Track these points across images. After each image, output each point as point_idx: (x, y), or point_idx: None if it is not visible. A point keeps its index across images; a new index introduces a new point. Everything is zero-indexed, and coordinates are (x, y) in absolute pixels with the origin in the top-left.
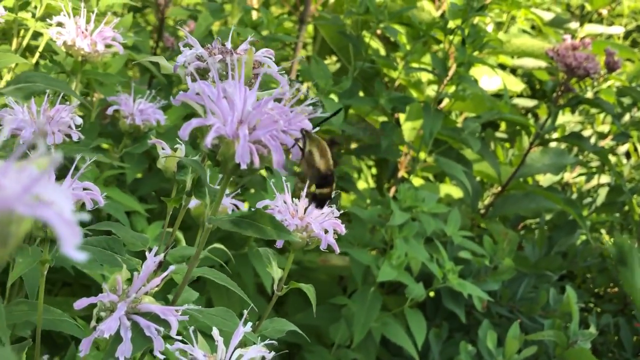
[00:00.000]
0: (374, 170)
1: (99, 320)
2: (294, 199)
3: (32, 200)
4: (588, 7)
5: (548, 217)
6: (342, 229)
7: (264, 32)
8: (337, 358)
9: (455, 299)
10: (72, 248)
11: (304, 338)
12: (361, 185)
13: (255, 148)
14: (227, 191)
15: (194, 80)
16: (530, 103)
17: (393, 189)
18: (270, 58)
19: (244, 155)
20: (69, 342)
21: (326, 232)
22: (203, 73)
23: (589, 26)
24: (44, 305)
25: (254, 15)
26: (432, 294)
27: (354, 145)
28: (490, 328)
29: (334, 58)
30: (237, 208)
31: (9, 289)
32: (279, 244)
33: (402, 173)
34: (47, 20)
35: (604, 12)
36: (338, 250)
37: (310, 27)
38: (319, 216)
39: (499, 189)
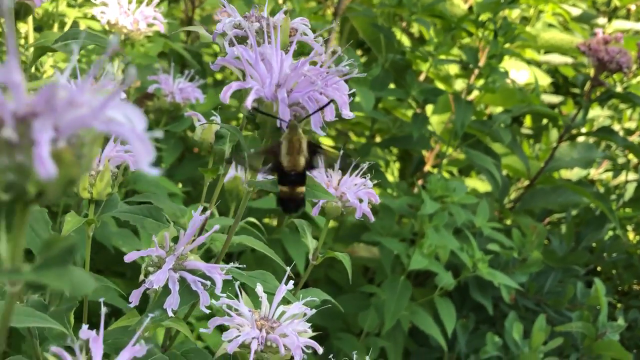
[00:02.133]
0: (397, 165)
1: (147, 274)
2: (328, 170)
3: (107, 118)
4: (616, 3)
5: (574, 212)
6: (377, 198)
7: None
8: (366, 345)
9: (483, 290)
10: (147, 163)
11: (332, 324)
12: (388, 177)
13: (294, 110)
14: None
15: (231, 44)
16: (555, 99)
17: (419, 183)
18: (306, 25)
19: (284, 117)
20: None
21: (361, 201)
22: (241, 41)
23: (617, 22)
24: (90, 274)
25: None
26: (458, 287)
27: (378, 139)
28: (516, 319)
29: (360, 51)
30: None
31: None
32: (315, 212)
33: (428, 167)
34: (87, 5)
35: (632, 8)
36: (373, 218)
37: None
38: (354, 186)
39: (527, 182)
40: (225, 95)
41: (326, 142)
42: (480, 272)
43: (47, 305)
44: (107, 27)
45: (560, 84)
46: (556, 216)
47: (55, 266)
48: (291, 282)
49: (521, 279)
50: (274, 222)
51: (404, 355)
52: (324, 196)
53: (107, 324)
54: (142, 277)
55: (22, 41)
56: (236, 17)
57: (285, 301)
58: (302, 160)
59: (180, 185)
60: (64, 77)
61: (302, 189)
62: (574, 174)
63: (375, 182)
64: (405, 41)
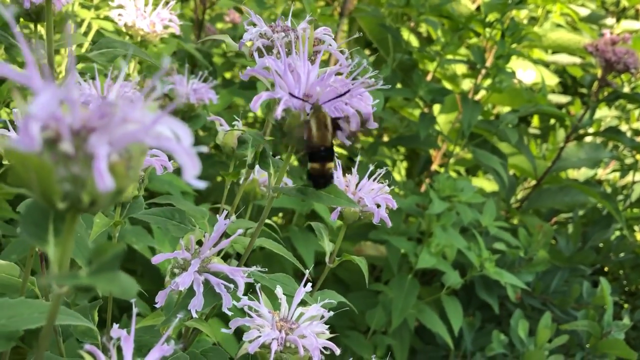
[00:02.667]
0: (404, 165)
1: (173, 276)
2: (345, 174)
3: (156, 133)
4: (625, 3)
5: (581, 212)
6: (394, 204)
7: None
8: (373, 343)
9: (489, 289)
10: (193, 177)
11: (340, 322)
12: (395, 177)
13: None
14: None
15: (261, 55)
16: (563, 99)
17: (427, 182)
18: (330, 35)
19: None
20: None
21: (378, 206)
22: (266, 50)
23: (626, 22)
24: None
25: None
26: (465, 284)
27: (386, 138)
28: (522, 317)
29: (368, 51)
30: (286, 184)
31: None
32: (334, 217)
33: (435, 166)
34: (103, 7)
35: None
36: (390, 224)
37: (345, 20)
38: (371, 191)
39: (534, 182)
40: (256, 104)
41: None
42: (487, 271)
43: (68, 302)
44: (124, 30)
45: (569, 84)
46: (563, 216)
47: (106, 271)
48: (309, 284)
49: (527, 278)
50: (281, 221)
51: (410, 353)
52: (347, 204)
53: (118, 320)
54: (167, 278)
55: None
56: (262, 27)
57: (303, 302)
58: (329, 136)
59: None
60: (84, 84)
61: (332, 164)
62: (581, 174)
63: (387, 183)
64: (413, 41)
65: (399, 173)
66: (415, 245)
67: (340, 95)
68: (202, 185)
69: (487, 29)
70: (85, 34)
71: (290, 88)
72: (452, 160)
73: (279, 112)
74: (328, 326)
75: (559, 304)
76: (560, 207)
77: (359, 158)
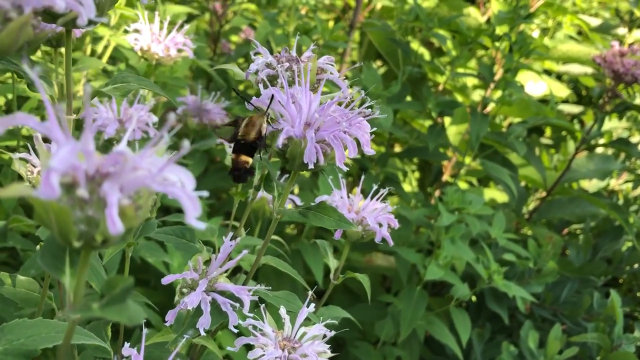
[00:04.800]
0: (416, 175)
1: (182, 295)
2: (349, 194)
3: (162, 179)
4: (638, 13)
5: (593, 223)
6: (396, 224)
7: (316, 37)
8: (382, 354)
9: (499, 300)
10: (194, 219)
11: (349, 333)
12: (406, 188)
13: (320, 147)
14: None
15: (265, 87)
16: (575, 109)
17: (437, 193)
18: (332, 65)
19: (311, 154)
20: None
21: (380, 225)
22: (272, 79)
23: (638, 32)
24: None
25: (306, 22)
26: (475, 296)
27: (398, 149)
28: (532, 328)
29: (379, 62)
30: (295, 204)
31: None
32: (337, 235)
33: (446, 177)
34: (120, 27)
35: None
36: (392, 243)
37: (356, 33)
38: (374, 211)
39: (544, 193)
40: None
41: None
42: (495, 283)
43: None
44: (139, 54)
45: (583, 94)
46: (574, 227)
47: (116, 303)
48: (312, 305)
49: (537, 289)
50: (292, 232)
51: None
52: (346, 226)
53: (131, 333)
54: (177, 298)
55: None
56: (268, 57)
57: (307, 319)
58: (252, 134)
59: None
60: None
61: (248, 159)
62: (593, 184)
63: (391, 189)
64: (424, 52)
65: (410, 184)
66: (424, 256)
67: (339, 124)
68: (202, 226)
69: (496, 43)
70: (101, 55)
71: (293, 118)
72: (463, 171)
73: (280, 141)
74: (334, 338)
75: (569, 315)
76: (571, 218)
77: (363, 177)
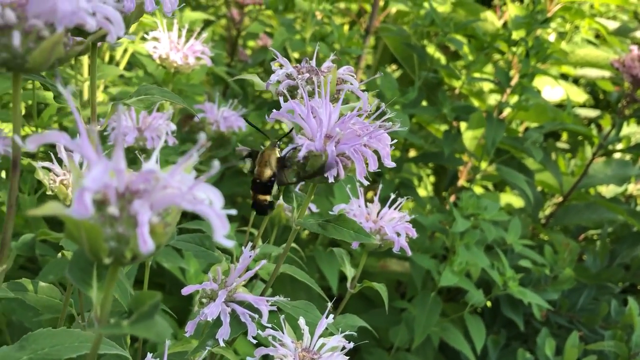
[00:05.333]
0: (432, 179)
1: (201, 305)
2: (367, 203)
3: (192, 197)
4: None
5: (610, 229)
6: (414, 233)
7: (333, 43)
8: None
9: (514, 307)
10: (222, 237)
11: (364, 339)
12: (421, 192)
13: (340, 160)
14: None
15: (285, 100)
16: (593, 113)
17: (452, 197)
18: (352, 75)
19: (332, 169)
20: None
21: (398, 235)
22: (292, 90)
23: None
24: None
25: (323, 27)
26: (490, 302)
27: (413, 154)
28: (549, 336)
29: (394, 66)
30: (311, 210)
31: None
32: (355, 245)
33: (462, 182)
34: (143, 34)
35: None
36: (410, 253)
37: (371, 37)
38: (392, 220)
39: (561, 199)
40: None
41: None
42: (510, 290)
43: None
44: (158, 62)
45: (601, 98)
46: (591, 232)
47: (145, 320)
48: (331, 316)
49: (553, 296)
50: (307, 237)
51: None
52: (365, 239)
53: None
54: (195, 308)
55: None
56: (288, 68)
57: (326, 330)
58: (266, 173)
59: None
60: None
61: (266, 197)
62: (610, 190)
63: (409, 197)
64: (440, 56)
65: (425, 189)
66: (438, 263)
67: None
68: (230, 244)
69: (513, 48)
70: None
71: (313, 130)
72: (478, 176)
73: (301, 155)
74: (352, 343)
75: (586, 322)
76: (588, 224)
77: (381, 186)
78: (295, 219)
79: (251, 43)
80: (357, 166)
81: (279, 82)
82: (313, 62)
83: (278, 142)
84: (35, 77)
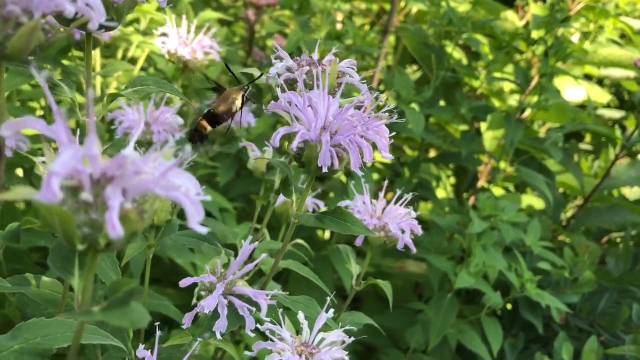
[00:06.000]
0: (452, 180)
1: (199, 298)
2: (372, 200)
3: (166, 183)
4: None
5: (634, 231)
6: (419, 230)
7: (348, 42)
8: None
9: (533, 309)
10: (197, 223)
11: (380, 340)
12: (440, 194)
13: (335, 151)
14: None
15: (283, 91)
16: (617, 114)
17: (472, 199)
18: (353, 68)
19: (326, 158)
20: (163, 328)
21: (403, 232)
22: (292, 83)
23: None
24: (149, 291)
25: (339, 27)
26: (509, 304)
27: (432, 154)
28: (567, 340)
29: (415, 67)
30: (318, 207)
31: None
32: (358, 241)
33: (482, 183)
34: (151, 32)
35: None
36: (414, 250)
37: (391, 37)
38: (396, 216)
39: (582, 200)
40: (275, 140)
41: (379, 156)
42: (528, 292)
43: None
44: (167, 57)
45: (625, 99)
46: (615, 235)
47: (119, 307)
48: (331, 310)
49: (573, 299)
50: (326, 236)
51: None
52: (363, 232)
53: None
54: (194, 300)
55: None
56: (288, 61)
57: (327, 326)
58: (221, 107)
59: (234, 202)
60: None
61: (206, 125)
62: (634, 192)
63: (416, 194)
64: (459, 55)
65: (445, 189)
66: (455, 264)
67: (355, 128)
68: (203, 230)
69: (532, 47)
70: (134, 60)
71: (309, 121)
72: (499, 177)
73: (294, 144)
74: (364, 345)
75: (606, 326)
76: (610, 227)
77: (386, 182)
78: (294, 212)
79: (270, 42)
80: (352, 157)
81: (279, 74)
82: (315, 56)
83: (245, 87)
84: (17, 66)
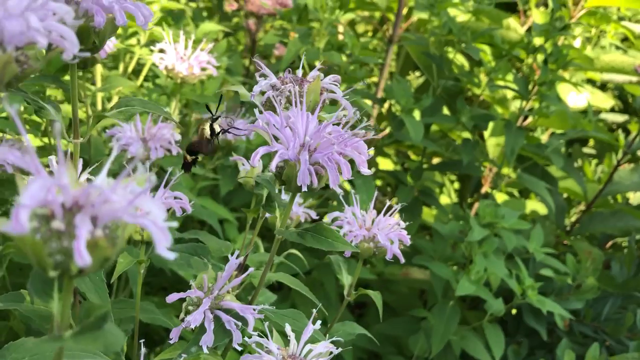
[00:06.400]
0: (456, 185)
1: (187, 313)
2: (362, 211)
3: (134, 210)
4: None
5: (638, 236)
6: (407, 240)
7: (349, 51)
8: None
9: (537, 316)
10: (164, 249)
11: (385, 347)
12: (444, 200)
13: (315, 169)
14: (301, 201)
15: (260, 112)
16: (620, 118)
17: (477, 205)
18: (336, 84)
19: (305, 177)
20: (165, 339)
21: (392, 242)
22: (276, 99)
23: None
24: (142, 304)
25: (340, 37)
26: (514, 310)
27: (437, 160)
28: (569, 346)
29: (417, 73)
30: (309, 217)
31: (115, 289)
32: (347, 253)
33: (486, 188)
34: (151, 46)
35: None
36: (403, 260)
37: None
38: (386, 227)
39: (585, 206)
40: (254, 159)
41: (385, 162)
42: (529, 299)
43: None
44: (164, 72)
45: (630, 102)
46: (620, 240)
47: (91, 331)
48: (318, 322)
49: (576, 306)
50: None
51: None
52: (343, 247)
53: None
54: (182, 315)
55: (90, 85)
56: (272, 79)
57: (314, 339)
58: (195, 139)
59: (236, 211)
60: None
61: (187, 156)
62: (638, 197)
63: (404, 204)
64: (464, 62)
65: (449, 196)
66: (457, 272)
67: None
68: (171, 256)
69: (531, 55)
70: (138, 71)
71: (288, 140)
72: (503, 183)
73: (273, 165)
74: (368, 353)
75: (611, 332)
76: (614, 232)
77: (375, 194)
78: (277, 229)
79: (271, 51)
80: (330, 175)
81: (262, 92)
82: (299, 73)
83: (213, 118)
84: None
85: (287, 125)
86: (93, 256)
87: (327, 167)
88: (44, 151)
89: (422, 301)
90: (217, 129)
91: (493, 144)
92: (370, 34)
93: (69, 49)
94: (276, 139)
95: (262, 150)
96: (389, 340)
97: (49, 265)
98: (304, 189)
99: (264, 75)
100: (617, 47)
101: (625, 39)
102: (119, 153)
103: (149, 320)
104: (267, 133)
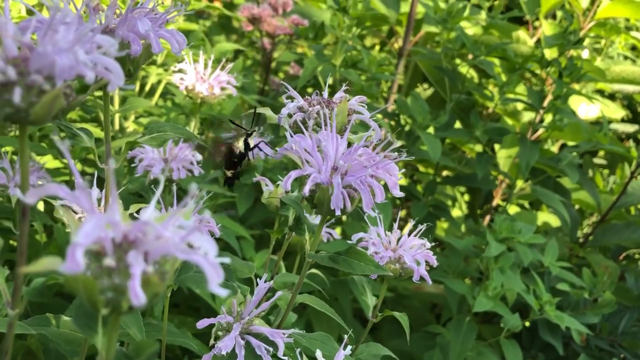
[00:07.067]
0: (466, 197)
1: (217, 338)
2: (387, 232)
3: (185, 247)
4: None
5: None
6: (434, 261)
7: (363, 67)
8: None
9: (552, 330)
10: (217, 286)
11: None
12: (455, 212)
13: (347, 192)
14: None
15: (291, 134)
16: (630, 128)
17: (487, 217)
18: (363, 105)
19: (338, 201)
20: (179, 357)
21: (418, 264)
22: (304, 122)
23: None
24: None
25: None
26: (528, 323)
27: (445, 173)
28: None
29: (425, 85)
30: (332, 237)
31: None
32: (373, 275)
33: (497, 200)
34: (168, 67)
35: None
36: (430, 282)
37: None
38: (412, 247)
39: (599, 218)
40: (287, 183)
41: None
42: (547, 314)
43: (129, 355)
44: (185, 93)
45: (639, 111)
46: (633, 251)
47: None
48: (349, 347)
49: (593, 320)
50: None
51: None
52: (375, 271)
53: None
54: (212, 341)
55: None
56: (299, 101)
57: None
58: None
59: (253, 228)
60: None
61: (227, 172)
62: None
63: (430, 224)
64: (473, 75)
65: (460, 208)
66: (473, 286)
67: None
68: (224, 293)
69: (544, 69)
70: (152, 89)
71: (319, 164)
72: (514, 195)
73: (306, 189)
74: None
75: (628, 346)
76: (628, 244)
77: (399, 213)
78: (307, 252)
79: (286, 67)
80: (364, 198)
81: (290, 115)
82: (326, 94)
83: (248, 133)
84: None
85: (319, 148)
86: (145, 293)
87: (360, 190)
88: (60, 173)
89: (434, 315)
90: (252, 143)
91: (504, 156)
92: (378, 47)
93: (114, 81)
94: (307, 162)
95: (294, 174)
96: (405, 357)
97: (101, 303)
98: (337, 212)
99: (290, 97)
100: (626, 57)
101: (633, 48)
102: (142, 174)
103: (170, 341)
104: (298, 157)
